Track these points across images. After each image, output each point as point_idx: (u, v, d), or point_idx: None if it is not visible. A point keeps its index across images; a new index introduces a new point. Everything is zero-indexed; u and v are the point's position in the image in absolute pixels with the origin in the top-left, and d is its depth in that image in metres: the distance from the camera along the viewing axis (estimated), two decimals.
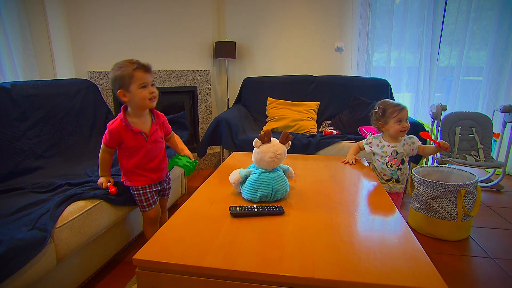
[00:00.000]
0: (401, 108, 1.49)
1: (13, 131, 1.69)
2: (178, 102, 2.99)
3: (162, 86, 2.81)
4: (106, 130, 1.33)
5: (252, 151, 1.14)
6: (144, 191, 1.42)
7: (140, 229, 1.78)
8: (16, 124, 1.72)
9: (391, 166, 1.55)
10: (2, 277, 0.95)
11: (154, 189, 1.45)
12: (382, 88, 2.86)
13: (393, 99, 2.91)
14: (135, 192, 1.42)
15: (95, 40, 2.49)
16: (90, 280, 1.44)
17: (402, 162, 1.55)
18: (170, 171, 1.56)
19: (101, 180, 1.43)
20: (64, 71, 2.36)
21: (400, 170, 1.56)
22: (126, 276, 1.48)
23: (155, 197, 1.46)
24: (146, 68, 1.28)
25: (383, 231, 0.98)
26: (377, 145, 1.60)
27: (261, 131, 1.08)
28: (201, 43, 3.04)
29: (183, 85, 2.92)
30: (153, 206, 1.45)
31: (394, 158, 1.54)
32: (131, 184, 1.41)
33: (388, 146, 1.56)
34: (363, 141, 1.69)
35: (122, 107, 1.34)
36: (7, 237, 1.03)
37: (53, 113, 1.92)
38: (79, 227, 1.24)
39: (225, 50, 3.05)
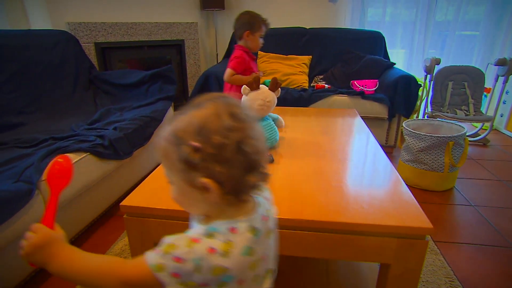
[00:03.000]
0: None
1: None
2: (165, 57, 2.86)
3: (147, 39, 2.66)
4: (234, 58, 1.68)
5: None
6: None
7: (132, 183, 1.77)
8: None
9: None
10: None
11: None
12: (376, 42, 2.77)
13: (387, 53, 2.83)
14: None
15: None
16: (83, 233, 1.45)
17: None
18: None
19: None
20: (39, 22, 2.19)
21: None
22: (120, 228, 1.50)
23: None
24: (267, 27, 1.71)
25: (372, 177, 0.99)
26: None
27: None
28: None
29: (170, 38, 2.78)
30: None
31: None
32: None
33: None
34: None
35: (237, 45, 1.74)
36: None
37: (29, 67, 1.81)
38: None
39: (213, 0, 2.86)
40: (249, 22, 1.65)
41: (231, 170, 0.45)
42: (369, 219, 0.75)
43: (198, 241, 0.46)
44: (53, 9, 2.24)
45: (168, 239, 0.47)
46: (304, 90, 2.37)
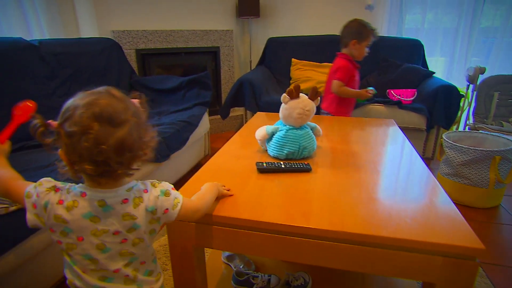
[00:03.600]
0: None
1: (44, 89, 1.73)
2: (201, 63, 2.94)
3: (184, 46, 2.75)
4: (340, 68, 1.71)
5: (275, 113, 1.11)
6: None
7: None
8: (46, 82, 1.75)
9: None
10: None
11: None
12: (414, 50, 2.68)
13: (426, 62, 2.73)
14: None
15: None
16: None
17: None
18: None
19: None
20: (88, 29, 2.34)
21: None
22: None
23: None
24: (375, 37, 1.69)
25: (414, 190, 0.96)
26: None
27: (290, 87, 1.04)
28: (224, 1, 2.92)
29: (206, 45, 2.86)
30: None
31: None
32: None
33: None
34: None
35: (341, 53, 1.75)
36: None
37: (80, 72, 1.94)
38: None
39: (248, 8, 2.92)
40: (358, 31, 1.64)
41: (70, 152, 0.54)
42: (414, 235, 0.72)
43: (58, 191, 0.60)
44: (100, 18, 2.39)
45: (45, 178, 0.62)
46: None
